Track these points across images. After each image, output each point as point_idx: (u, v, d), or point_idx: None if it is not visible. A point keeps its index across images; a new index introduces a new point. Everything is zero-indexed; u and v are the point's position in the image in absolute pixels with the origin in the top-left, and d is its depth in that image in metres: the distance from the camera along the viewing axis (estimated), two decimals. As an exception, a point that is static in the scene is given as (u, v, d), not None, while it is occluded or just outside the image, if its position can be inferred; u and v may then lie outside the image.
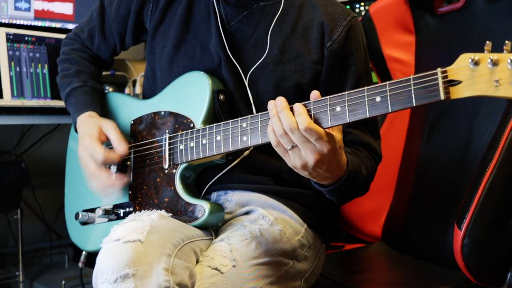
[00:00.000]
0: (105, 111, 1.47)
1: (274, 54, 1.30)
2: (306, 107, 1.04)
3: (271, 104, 1.05)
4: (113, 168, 1.37)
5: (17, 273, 2.25)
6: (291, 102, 1.09)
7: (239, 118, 1.15)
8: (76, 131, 1.42)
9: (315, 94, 1.06)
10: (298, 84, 1.30)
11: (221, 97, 1.29)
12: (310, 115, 1.03)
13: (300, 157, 1.04)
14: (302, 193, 1.34)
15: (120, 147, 1.30)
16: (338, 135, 1.05)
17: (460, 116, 1.49)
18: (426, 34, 1.66)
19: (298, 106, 1.03)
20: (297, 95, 1.27)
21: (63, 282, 2.26)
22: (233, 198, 1.33)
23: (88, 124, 1.36)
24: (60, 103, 1.89)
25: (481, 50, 0.87)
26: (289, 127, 1.02)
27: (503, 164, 1.19)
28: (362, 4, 2.09)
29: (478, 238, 1.20)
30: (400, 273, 1.51)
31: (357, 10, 2.10)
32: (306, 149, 1.03)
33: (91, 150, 1.29)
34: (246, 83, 1.30)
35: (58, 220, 2.57)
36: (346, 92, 1.01)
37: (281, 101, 1.05)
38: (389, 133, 1.70)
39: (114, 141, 1.32)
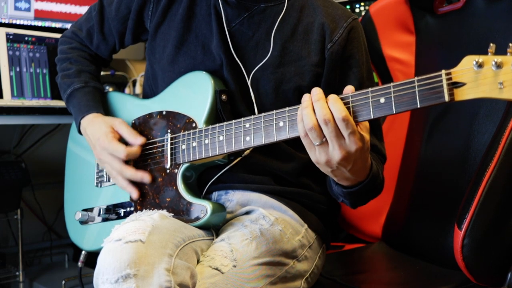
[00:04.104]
0: (106, 111, 1.46)
1: (274, 56, 1.30)
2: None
3: (306, 96, 1.03)
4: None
5: (17, 273, 2.24)
6: (291, 104, 1.09)
7: (242, 119, 1.15)
8: (80, 132, 1.42)
9: (349, 89, 1.02)
10: (298, 86, 1.30)
11: (224, 97, 1.29)
12: None
13: (326, 153, 1.02)
14: (303, 193, 1.34)
15: (136, 140, 1.31)
16: (367, 135, 1.04)
17: (460, 116, 1.49)
18: (426, 34, 1.66)
19: (334, 96, 1.01)
20: (297, 98, 1.27)
21: (63, 282, 2.26)
22: (233, 198, 1.33)
23: (97, 124, 1.36)
24: (60, 103, 1.89)
25: (481, 50, 0.87)
26: (323, 118, 0.99)
27: (503, 164, 1.20)
28: (362, 4, 2.09)
29: (478, 238, 1.20)
30: (400, 273, 1.51)
31: (357, 10, 2.10)
32: (335, 144, 1.00)
33: (112, 149, 1.30)
34: (249, 84, 1.30)
35: (58, 220, 2.57)
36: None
37: (318, 91, 1.02)
38: (389, 133, 1.70)
39: (128, 137, 1.32)
